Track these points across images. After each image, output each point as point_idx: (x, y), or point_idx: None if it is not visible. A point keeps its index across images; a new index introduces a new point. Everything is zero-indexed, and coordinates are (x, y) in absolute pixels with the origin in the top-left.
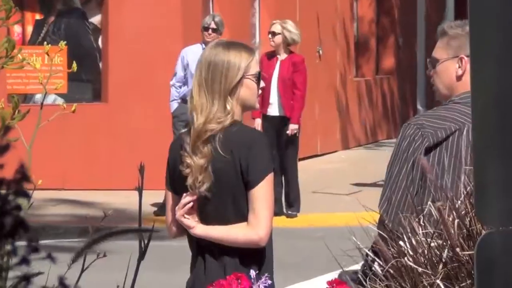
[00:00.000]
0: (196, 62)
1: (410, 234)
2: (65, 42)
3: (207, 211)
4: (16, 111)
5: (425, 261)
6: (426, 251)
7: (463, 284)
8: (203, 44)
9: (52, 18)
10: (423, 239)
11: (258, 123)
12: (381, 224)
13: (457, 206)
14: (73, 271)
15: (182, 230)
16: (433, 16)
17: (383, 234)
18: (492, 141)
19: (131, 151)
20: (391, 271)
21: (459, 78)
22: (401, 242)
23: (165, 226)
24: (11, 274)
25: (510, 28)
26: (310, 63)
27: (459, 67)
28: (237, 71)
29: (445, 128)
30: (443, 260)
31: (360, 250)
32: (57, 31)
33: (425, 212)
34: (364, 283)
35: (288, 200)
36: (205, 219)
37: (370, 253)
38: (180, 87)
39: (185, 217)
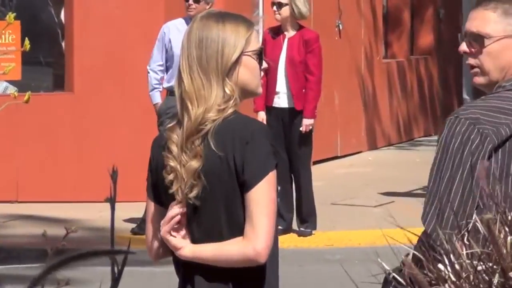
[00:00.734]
0: (182, 39)
1: (452, 255)
2: (14, 14)
3: (195, 223)
4: None
5: None
6: (472, 276)
7: None
8: (188, 20)
9: None
10: (468, 261)
11: (261, 118)
12: (423, 244)
13: (510, 219)
14: None
15: (167, 251)
16: None
17: (418, 255)
18: None
19: (103, 153)
20: None
21: None
22: (440, 265)
23: (145, 246)
24: None
25: None
26: (326, 41)
27: None
28: (234, 48)
29: (508, 124)
30: (493, 287)
31: (388, 276)
32: (7, 2)
33: (469, 227)
34: None
35: (300, 214)
36: (192, 234)
37: (398, 277)
38: (162, 71)
39: (171, 235)
